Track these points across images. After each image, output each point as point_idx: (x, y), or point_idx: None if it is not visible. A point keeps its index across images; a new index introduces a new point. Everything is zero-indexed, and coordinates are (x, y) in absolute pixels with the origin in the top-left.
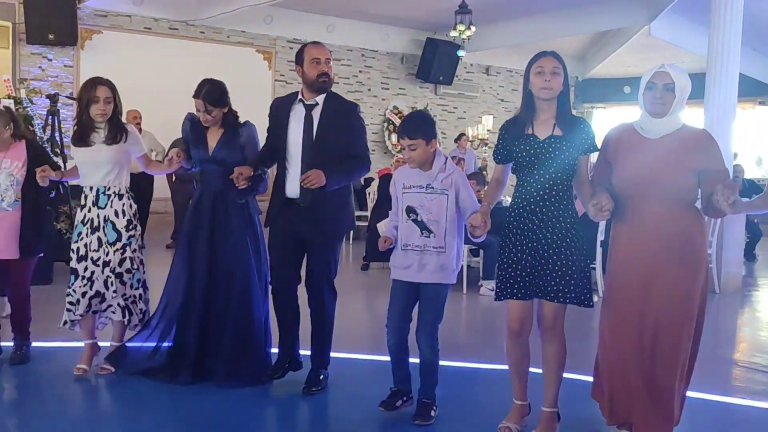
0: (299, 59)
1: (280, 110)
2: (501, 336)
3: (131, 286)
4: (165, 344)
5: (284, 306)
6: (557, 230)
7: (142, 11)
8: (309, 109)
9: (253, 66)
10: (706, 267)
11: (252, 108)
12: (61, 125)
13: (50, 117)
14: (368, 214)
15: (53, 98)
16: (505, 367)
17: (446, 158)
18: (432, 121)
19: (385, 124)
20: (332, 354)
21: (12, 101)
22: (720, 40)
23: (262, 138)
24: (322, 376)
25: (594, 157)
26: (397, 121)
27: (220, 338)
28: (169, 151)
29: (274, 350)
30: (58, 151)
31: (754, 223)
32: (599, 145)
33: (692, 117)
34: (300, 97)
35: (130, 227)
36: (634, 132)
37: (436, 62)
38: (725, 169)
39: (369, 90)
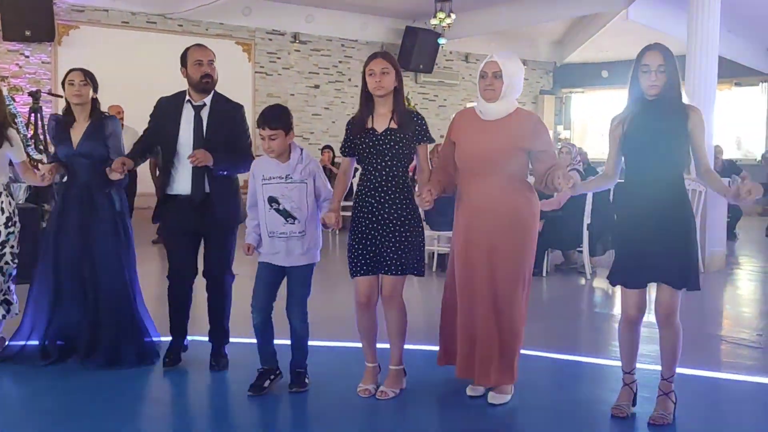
0: (183, 61)
1: (167, 110)
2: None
3: (4, 281)
4: (32, 342)
5: (179, 297)
6: (395, 212)
7: (118, 5)
8: (197, 110)
9: (233, 58)
10: (534, 237)
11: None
12: (44, 122)
13: (33, 114)
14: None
15: (35, 95)
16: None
17: (301, 150)
18: (289, 113)
19: None
20: (321, 343)
21: None
22: (699, 23)
23: None
24: (225, 350)
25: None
26: None
27: (96, 328)
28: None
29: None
30: (42, 149)
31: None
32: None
33: None
34: (188, 97)
35: (9, 224)
36: (474, 114)
37: (415, 51)
38: (552, 150)
39: (350, 80)
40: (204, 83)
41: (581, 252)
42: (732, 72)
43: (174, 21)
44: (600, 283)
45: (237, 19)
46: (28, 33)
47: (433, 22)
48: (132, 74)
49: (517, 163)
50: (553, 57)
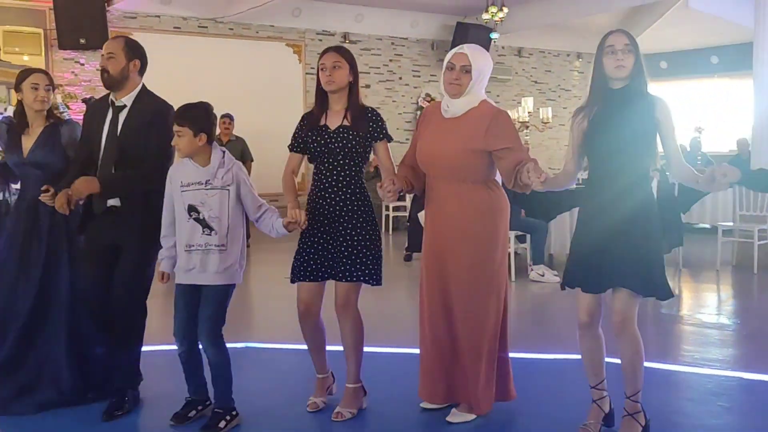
0: None
1: (94, 114)
2: (555, 324)
3: None
4: None
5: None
6: (347, 214)
7: (170, 11)
8: (116, 111)
9: (283, 60)
10: (502, 241)
11: (284, 102)
12: None
13: None
14: (407, 204)
15: (89, 102)
16: (562, 356)
17: (224, 152)
18: (207, 114)
19: (418, 113)
20: (371, 349)
21: None
22: (767, 9)
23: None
24: (127, 397)
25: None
26: None
27: (45, 354)
28: None
29: None
30: None
31: None
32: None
33: (740, 89)
34: (111, 97)
35: None
36: (439, 111)
37: None
38: (518, 145)
39: (400, 79)
40: (102, 77)
41: None
42: None
43: (225, 25)
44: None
45: (287, 20)
46: (82, 41)
47: (485, 16)
48: (184, 79)
49: (475, 165)
50: None
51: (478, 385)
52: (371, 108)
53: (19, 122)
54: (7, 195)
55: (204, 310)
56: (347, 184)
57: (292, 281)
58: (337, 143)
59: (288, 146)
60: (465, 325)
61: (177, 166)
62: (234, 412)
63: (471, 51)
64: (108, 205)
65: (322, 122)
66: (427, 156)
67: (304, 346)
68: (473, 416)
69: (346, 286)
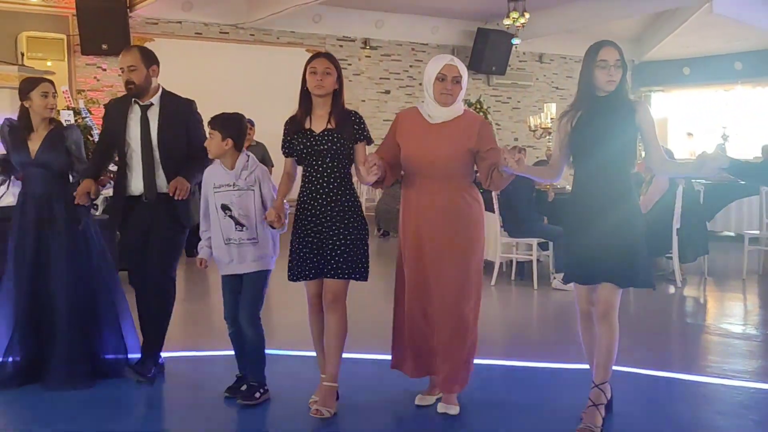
0: None
1: (116, 112)
2: (578, 334)
3: None
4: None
5: (143, 306)
6: (337, 213)
7: (192, 17)
8: (144, 110)
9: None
10: (481, 237)
11: None
12: None
13: None
14: None
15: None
16: (583, 366)
17: (248, 156)
18: (238, 123)
19: None
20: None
21: (71, 112)
22: None
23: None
24: (153, 365)
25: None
26: None
27: (53, 341)
28: None
29: None
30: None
31: None
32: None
33: (764, 95)
34: (134, 98)
35: None
36: (420, 116)
37: (487, 52)
38: (496, 146)
39: (420, 84)
40: (128, 89)
41: (670, 258)
42: None
43: (246, 31)
44: (691, 291)
45: (307, 26)
46: (105, 46)
47: (506, 22)
48: (205, 84)
49: (464, 166)
50: (632, 55)
51: (454, 364)
52: (354, 111)
53: (23, 126)
54: (4, 189)
55: (243, 295)
56: (337, 186)
57: (296, 279)
58: (323, 146)
59: (281, 151)
60: (445, 304)
61: (210, 169)
62: (266, 387)
63: (459, 63)
64: (159, 191)
65: (307, 126)
66: (421, 156)
67: (300, 353)
68: (458, 407)
69: (337, 283)
